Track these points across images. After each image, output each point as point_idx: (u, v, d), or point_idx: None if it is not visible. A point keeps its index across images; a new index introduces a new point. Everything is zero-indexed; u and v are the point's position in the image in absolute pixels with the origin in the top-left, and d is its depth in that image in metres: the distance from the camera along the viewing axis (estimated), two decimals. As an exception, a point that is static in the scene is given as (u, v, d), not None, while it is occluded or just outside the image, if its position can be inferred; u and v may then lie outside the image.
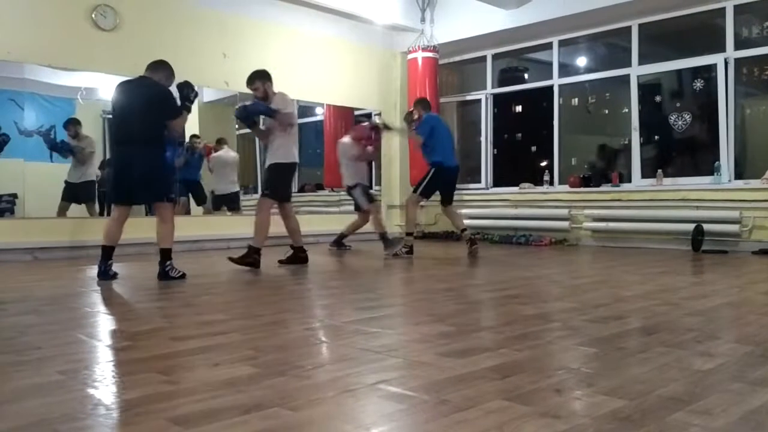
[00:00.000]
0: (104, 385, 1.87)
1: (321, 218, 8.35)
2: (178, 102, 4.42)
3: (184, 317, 3.09)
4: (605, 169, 7.95)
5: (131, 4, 6.62)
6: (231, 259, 5.05)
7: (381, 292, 4.14)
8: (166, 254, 4.37)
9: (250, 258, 5.02)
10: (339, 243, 7.01)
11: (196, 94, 4.55)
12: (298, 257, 5.37)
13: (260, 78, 5.18)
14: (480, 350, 2.24)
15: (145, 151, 4.27)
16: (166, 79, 4.46)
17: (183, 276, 4.36)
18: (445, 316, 3.00)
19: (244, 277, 4.73)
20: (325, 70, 8.31)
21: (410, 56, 8.54)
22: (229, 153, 8.17)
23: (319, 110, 8.99)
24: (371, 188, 7.18)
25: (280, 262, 5.36)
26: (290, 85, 7.97)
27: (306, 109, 9.04)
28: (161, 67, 4.46)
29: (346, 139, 6.95)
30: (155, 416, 1.56)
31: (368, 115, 7.32)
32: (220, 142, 8.05)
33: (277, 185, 5.19)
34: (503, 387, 1.80)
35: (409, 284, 4.62)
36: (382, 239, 6.57)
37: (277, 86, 7.82)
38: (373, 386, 1.82)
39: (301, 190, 8.97)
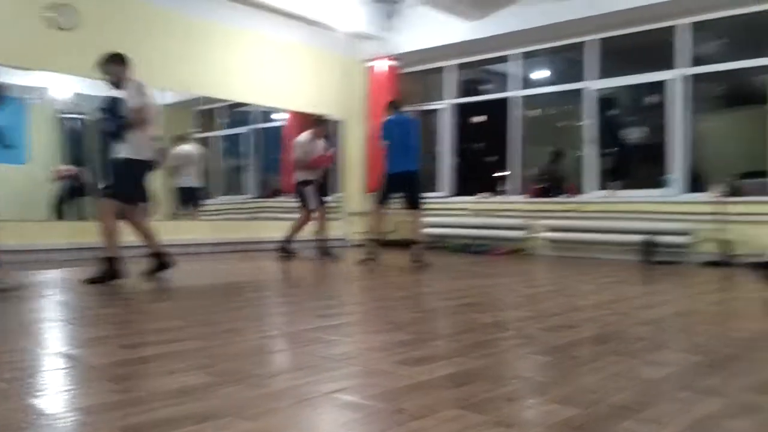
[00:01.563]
0: (49, 395, 1.81)
1: (279, 224, 8.29)
2: None
3: (137, 324, 3.03)
4: (562, 180, 8.10)
5: (93, 4, 6.48)
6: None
7: (340, 299, 4.13)
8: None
9: (108, 272, 4.33)
10: (285, 249, 6.84)
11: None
12: (161, 264, 4.63)
13: (115, 61, 4.49)
14: (437, 358, 2.25)
15: None
16: None
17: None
18: (403, 324, 3.00)
19: (200, 283, 4.66)
20: (287, 75, 8.28)
21: (372, 64, 8.57)
22: (192, 149, 8.07)
23: (279, 115, 8.93)
24: (326, 192, 7.05)
25: (145, 273, 4.60)
26: (252, 90, 7.98)
27: (267, 114, 8.98)
28: None
29: (304, 136, 6.88)
30: (104, 426, 1.52)
31: (323, 120, 7.28)
32: (181, 140, 7.91)
33: (124, 183, 4.50)
34: (458, 395, 1.81)
35: (368, 292, 4.62)
36: (320, 246, 6.56)
37: (240, 90, 7.85)
38: (329, 395, 1.81)
39: (269, 195, 8.90)
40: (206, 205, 8.24)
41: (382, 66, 8.72)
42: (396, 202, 6.30)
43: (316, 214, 6.79)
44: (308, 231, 6.87)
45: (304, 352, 2.39)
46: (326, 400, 1.78)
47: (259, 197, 8.88)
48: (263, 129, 9.02)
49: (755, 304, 3.96)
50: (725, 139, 7.69)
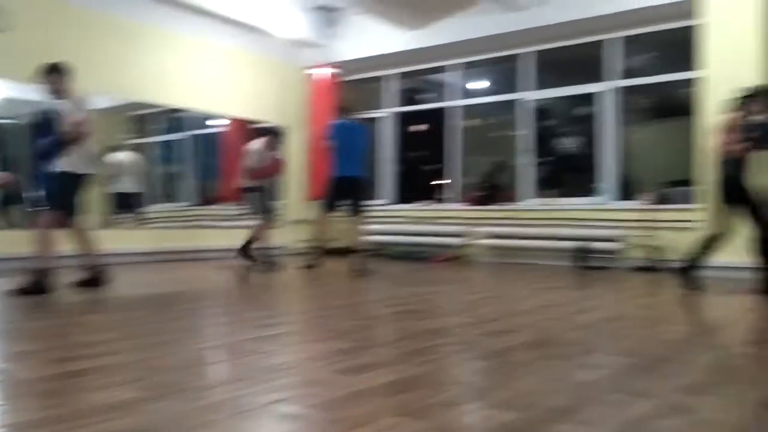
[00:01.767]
0: (-30, 414, 1.71)
1: (217, 233, 8.14)
2: None
3: (68, 337, 2.90)
4: (500, 188, 8.27)
5: (26, 6, 6.21)
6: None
7: (279, 309, 4.08)
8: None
9: (38, 284, 4.19)
10: (249, 255, 6.73)
11: None
12: (95, 279, 4.51)
13: (55, 72, 4.40)
14: (376, 366, 2.25)
15: None
16: None
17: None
18: (342, 332, 2.99)
19: (135, 294, 4.51)
20: (225, 81, 8.16)
21: (313, 71, 8.54)
22: (126, 157, 7.83)
23: (217, 121, 8.78)
24: (272, 199, 6.94)
25: (76, 284, 4.45)
26: (190, 95, 7.82)
27: (205, 120, 8.80)
28: None
29: (256, 144, 6.80)
30: (28, 446, 1.44)
31: (278, 133, 7.19)
32: (114, 148, 7.67)
33: (62, 197, 4.38)
34: (398, 403, 1.81)
35: (308, 301, 4.57)
36: (261, 255, 6.53)
37: (178, 95, 7.67)
38: (268, 406, 1.78)
39: (208, 203, 8.71)
40: (144, 212, 7.99)
41: (323, 73, 8.70)
42: (341, 209, 6.30)
43: (261, 222, 6.70)
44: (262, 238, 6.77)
45: (242, 363, 2.35)
46: (265, 411, 1.75)
47: (197, 205, 8.69)
48: (201, 135, 8.84)
49: (682, 308, 4.13)
50: (654, 149, 8.02)
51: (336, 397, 1.85)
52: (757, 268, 4.64)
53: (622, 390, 1.98)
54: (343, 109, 6.39)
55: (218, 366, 2.39)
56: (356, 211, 6.15)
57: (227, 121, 8.70)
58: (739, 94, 4.74)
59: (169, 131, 8.64)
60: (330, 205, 6.16)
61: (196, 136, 8.77)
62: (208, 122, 8.78)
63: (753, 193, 4.64)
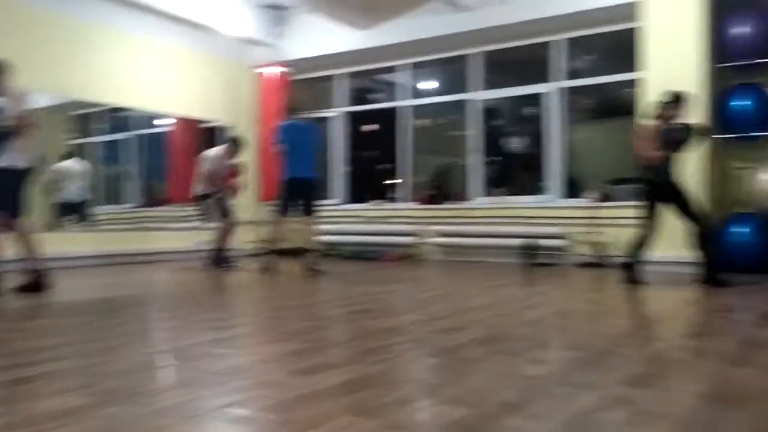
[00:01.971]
0: None
1: (167, 235, 7.98)
2: None
3: (12, 343, 2.80)
4: (450, 187, 8.36)
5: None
6: None
7: (230, 311, 4.03)
8: None
9: None
10: (221, 260, 6.57)
11: None
12: (36, 284, 4.33)
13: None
14: (330, 367, 2.25)
15: None
16: None
17: None
18: (295, 333, 2.98)
19: (80, 298, 4.38)
20: (172, 80, 8.00)
21: (261, 70, 8.46)
22: (73, 164, 7.60)
23: (163, 121, 8.59)
24: (228, 201, 6.78)
25: (17, 289, 4.27)
26: (134, 94, 7.63)
27: (150, 120, 8.60)
28: None
29: (215, 151, 6.74)
30: (-32, 458, 1.40)
31: (238, 141, 7.09)
32: (63, 156, 7.46)
33: (3, 195, 4.26)
34: (351, 402, 1.82)
35: (260, 302, 4.53)
36: (213, 257, 6.47)
37: (122, 94, 7.48)
38: (219, 410, 1.77)
39: (146, 204, 8.50)
40: (91, 215, 7.75)
41: (272, 72, 8.62)
42: (294, 210, 6.27)
43: (220, 224, 6.62)
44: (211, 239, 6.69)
45: (192, 367, 2.31)
46: (216, 414, 1.74)
47: (143, 206, 8.48)
48: (147, 135, 8.64)
49: (625, 302, 4.27)
50: (598, 149, 8.25)
51: (289, 399, 1.85)
52: (695, 262, 4.87)
53: (569, 383, 2.03)
54: (293, 110, 6.34)
55: (169, 370, 2.35)
56: (308, 211, 6.13)
57: (174, 121, 8.53)
58: (658, 101, 4.95)
59: (113, 131, 8.41)
60: (283, 207, 6.13)
61: (141, 136, 8.56)
62: (154, 122, 8.59)
63: (682, 190, 4.88)
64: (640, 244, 4.93)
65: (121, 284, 5.46)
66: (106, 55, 7.25)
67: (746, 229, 5.81)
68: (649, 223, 4.88)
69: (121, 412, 1.73)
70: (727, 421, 1.66)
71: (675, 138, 4.78)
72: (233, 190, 6.83)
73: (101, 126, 8.22)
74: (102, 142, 8.39)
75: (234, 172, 6.75)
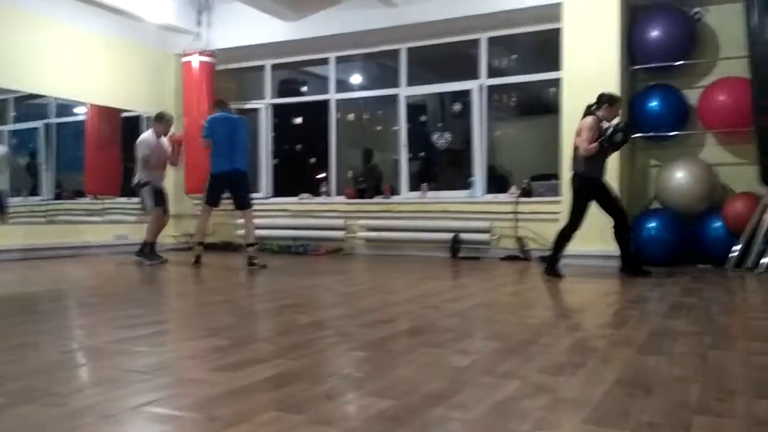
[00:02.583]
0: None
1: (82, 228, 7.63)
2: None
3: None
4: (379, 181, 8.39)
5: None
6: None
7: (151, 307, 3.89)
8: None
9: None
10: (152, 254, 6.26)
11: None
12: None
13: None
14: (255, 362, 2.21)
15: None
16: None
17: None
18: (219, 329, 2.91)
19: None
20: (90, 66, 7.64)
21: (185, 59, 8.20)
22: None
23: (80, 109, 8.20)
24: (164, 191, 6.47)
25: None
26: (48, 81, 7.24)
27: (66, 108, 8.19)
28: None
29: (147, 135, 6.41)
30: None
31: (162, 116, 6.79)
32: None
33: None
34: (277, 398, 1.80)
35: (183, 297, 4.41)
36: (145, 247, 6.23)
37: (36, 81, 7.08)
38: (137, 409, 1.70)
39: (59, 197, 8.10)
40: (6, 207, 7.28)
41: (197, 61, 8.37)
42: (222, 204, 6.13)
43: (151, 216, 6.33)
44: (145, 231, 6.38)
45: (108, 366, 2.22)
46: (133, 414, 1.67)
47: (56, 199, 8.07)
48: (61, 124, 8.23)
49: (546, 294, 4.41)
50: (522, 145, 8.48)
51: (211, 396, 1.80)
52: (616, 255, 5.15)
53: (492, 373, 2.08)
54: (220, 102, 6.22)
55: (81, 370, 2.25)
56: (241, 205, 6.05)
57: (91, 110, 8.15)
58: (592, 101, 5.16)
59: (26, 119, 7.97)
60: (211, 200, 5.99)
61: (58, 125, 8.16)
62: (73, 110, 8.19)
63: (607, 188, 5.11)
64: (566, 237, 5.11)
65: (35, 279, 5.19)
66: (16, 39, 6.84)
67: (659, 224, 6.11)
68: (578, 218, 5.06)
69: (35, 412, 1.64)
70: (639, 406, 1.74)
71: (612, 140, 4.98)
72: (173, 159, 6.55)
73: (13, 113, 7.77)
74: (14, 130, 7.93)
75: (171, 149, 6.47)
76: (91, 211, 8.08)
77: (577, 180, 5.10)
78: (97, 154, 8.23)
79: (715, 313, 3.49)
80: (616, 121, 5.12)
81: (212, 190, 5.99)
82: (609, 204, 5.12)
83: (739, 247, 5.66)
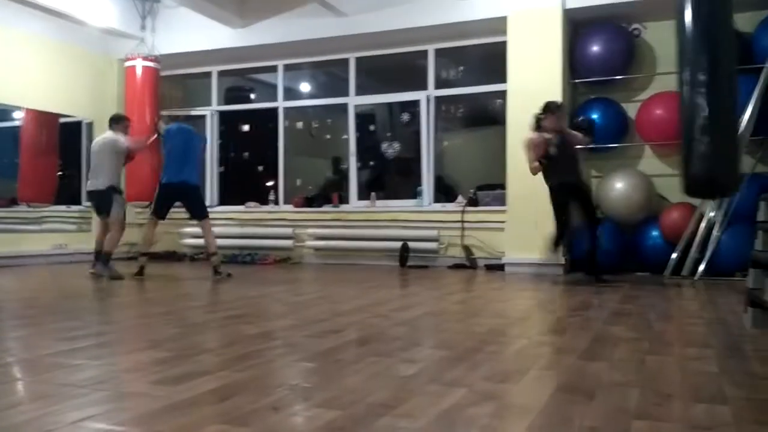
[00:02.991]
0: None
1: (17, 237, 7.34)
2: None
3: None
4: (327, 190, 8.36)
5: None
6: None
7: (90, 319, 3.77)
8: None
9: None
10: (105, 265, 5.81)
11: None
12: None
13: None
14: (198, 374, 2.16)
15: None
16: None
17: None
18: (161, 341, 2.83)
19: None
20: (27, 70, 7.36)
21: (128, 64, 8.00)
22: None
23: (16, 114, 7.89)
24: (122, 197, 6.11)
25: None
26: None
27: (1, 113, 7.87)
28: None
29: (111, 133, 6.06)
30: None
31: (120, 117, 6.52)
32: None
33: None
34: (221, 410, 1.76)
35: (123, 309, 4.28)
36: (106, 259, 5.84)
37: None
38: (75, 424, 1.64)
39: (4, 204, 7.75)
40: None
41: (140, 67, 8.18)
42: (173, 212, 5.99)
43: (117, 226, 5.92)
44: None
45: (44, 380, 2.13)
46: (72, 430, 1.61)
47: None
48: (-3, 129, 7.91)
49: (491, 302, 4.47)
50: (469, 155, 8.59)
51: (152, 410, 1.75)
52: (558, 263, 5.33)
53: (438, 381, 2.09)
54: (171, 111, 6.12)
55: (14, 385, 2.15)
56: (197, 216, 5.94)
57: (29, 114, 7.85)
58: (536, 112, 5.31)
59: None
60: (158, 212, 5.88)
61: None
62: (9, 115, 7.87)
63: (582, 190, 5.38)
64: (556, 244, 5.28)
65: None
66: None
67: (601, 234, 6.28)
68: (559, 225, 5.26)
69: (-42, 433, 1.56)
70: (581, 411, 1.78)
71: (549, 156, 5.13)
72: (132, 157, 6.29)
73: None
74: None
75: (132, 153, 6.23)
76: (28, 220, 7.77)
77: (550, 191, 5.31)
78: (33, 160, 7.93)
79: (653, 319, 3.61)
80: (549, 135, 5.26)
81: (159, 201, 5.86)
82: (582, 206, 5.29)
83: (675, 255, 5.88)
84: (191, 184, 5.91)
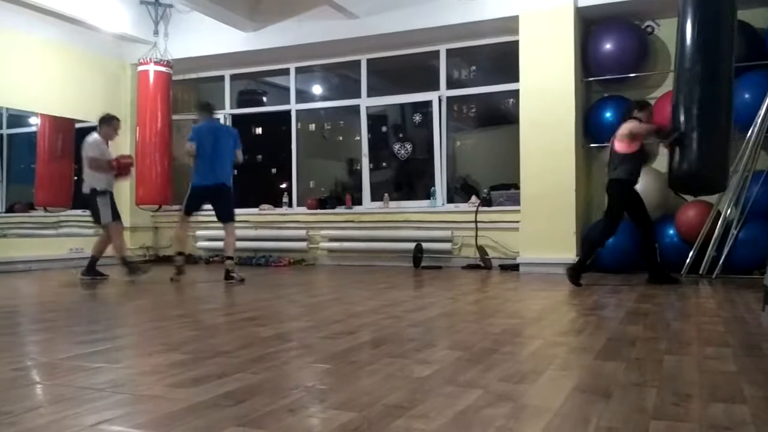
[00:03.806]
0: None
1: (34, 242, 7.42)
2: None
3: None
4: (341, 192, 8.38)
5: None
6: None
7: (108, 322, 3.80)
8: None
9: None
10: (92, 270, 5.97)
11: None
12: None
13: None
14: (214, 377, 2.18)
15: None
16: None
17: None
18: (178, 344, 2.85)
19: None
20: (42, 76, 7.45)
21: (141, 68, 8.07)
22: None
23: (33, 120, 7.99)
24: (115, 203, 6.05)
25: None
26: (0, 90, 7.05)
27: (18, 119, 7.97)
28: None
29: (93, 136, 5.99)
30: None
31: (95, 128, 6.55)
32: None
33: None
34: (238, 413, 1.77)
35: (140, 312, 4.31)
36: (124, 263, 5.92)
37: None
38: (93, 427, 1.66)
39: (10, 210, 7.85)
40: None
41: (153, 71, 8.24)
42: (198, 215, 6.05)
43: (108, 230, 5.94)
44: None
45: (63, 383, 2.15)
46: (90, 433, 1.62)
47: (8, 212, 7.82)
48: (13, 136, 8.00)
49: (506, 302, 4.45)
50: (482, 155, 8.57)
51: (169, 413, 1.76)
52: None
53: (454, 382, 2.09)
54: (207, 109, 6.00)
55: (34, 388, 2.18)
56: (223, 218, 5.87)
57: (45, 120, 7.94)
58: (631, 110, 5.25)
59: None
60: (189, 211, 5.91)
61: (9, 136, 7.93)
62: (22, 121, 7.96)
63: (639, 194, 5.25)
64: (598, 244, 5.23)
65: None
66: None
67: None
68: (614, 224, 5.17)
69: (-20, 436, 1.58)
70: (598, 412, 1.76)
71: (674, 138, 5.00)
72: (122, 173, 6.12)
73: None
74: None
75: (124, 161, 6.12)
76: (45, 225, 7.86)
77: (616, 185, 5.18)
78: (50, 165, 8.02)
79: (670, 318, 3.58)
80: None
81: (190, 202, 5.87)
82: (638, 211, 5.21)
83: (692, 253, 5.83)
84: (225, 185, 5.82)
